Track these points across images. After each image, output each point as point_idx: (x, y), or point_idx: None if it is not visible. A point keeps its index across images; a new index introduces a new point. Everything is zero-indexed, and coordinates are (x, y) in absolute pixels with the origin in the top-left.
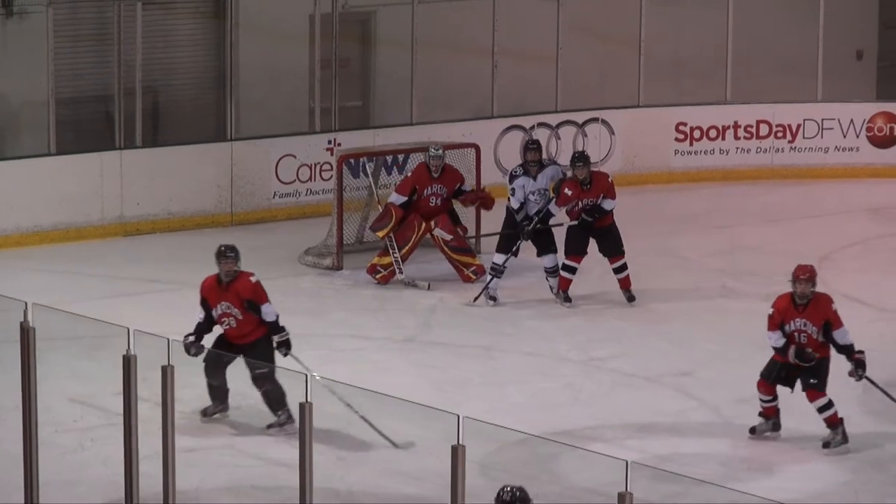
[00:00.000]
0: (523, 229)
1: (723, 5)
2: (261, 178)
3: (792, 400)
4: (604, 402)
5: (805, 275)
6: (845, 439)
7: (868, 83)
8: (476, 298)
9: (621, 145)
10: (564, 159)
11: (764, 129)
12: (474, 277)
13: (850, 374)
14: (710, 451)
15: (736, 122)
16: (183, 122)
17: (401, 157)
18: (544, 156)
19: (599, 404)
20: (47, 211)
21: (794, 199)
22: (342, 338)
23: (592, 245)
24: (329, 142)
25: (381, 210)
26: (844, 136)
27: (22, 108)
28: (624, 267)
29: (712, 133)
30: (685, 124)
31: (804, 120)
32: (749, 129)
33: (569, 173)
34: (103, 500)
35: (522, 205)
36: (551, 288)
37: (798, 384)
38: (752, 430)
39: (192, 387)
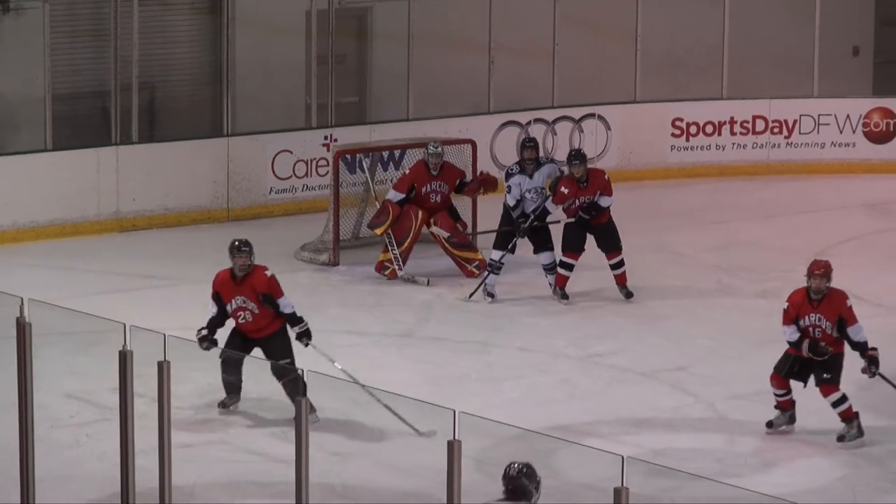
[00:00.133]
0: (519, 227)
1: (719, 1)
2: (257, 174)
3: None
4: (600, 398)
5: (820, 270)
6: (860, 433)
7: (864, 79)
8: (472, 294)
9: (617, 141)
10: (561, 155)
11: (760, 125)
12: (477, 273)
13: (864, 370)
14: (705, 446)
15: (732, 118)
16: (179, 117)
17: (397, 153)
18: (541, 153)
19: (595, 400)
20: (43, 207)
21: (790, 195)
22: (339, 333)
23: (590, 242)
24: (325, 137)
25: (377, 206)
26: (841, 132)
27: (18, 104)
28: (621, 263)
29: (708, 129)
30: (681, 120)
31: (800, 115)
32: (745, 124)
33: (566, 170)
34: (99, 496)
35: (519, 202)
36: (550, 285)
37: (811, 379)
38: (770, 424)
39: (189, 382)
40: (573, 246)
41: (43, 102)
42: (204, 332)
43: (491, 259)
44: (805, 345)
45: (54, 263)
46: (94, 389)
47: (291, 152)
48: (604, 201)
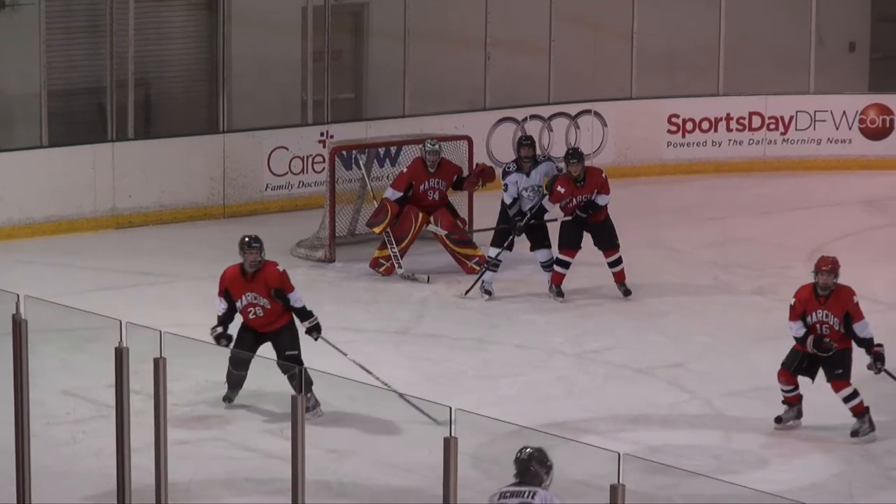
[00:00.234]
0: (515, 225)
1: None
2: (253, 171)
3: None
4: (597, 395)
5: (827, 266)
6: (872, 427)
7: (860, 75)
8: (468, 291)
9: (614, 137)
10: (557, 151)
11: (756, 121)
12: (477, 269)
13: (869, 366)
14: (702, 443)
15: (728, 114)
16: (175, 114)
17: (393, 150)
18: (538, 151)
19: (592, 397)
20: (39, 203)
21: (786, 192)
22: (334, 330)
23: (586, 240)
24: (321, 134)
25: (374, 203)
26: (837, 128)
27: (14, 101)
28: (619, 261)
29: (705, 125)
30: (677, 116)
31: (797, 112)
32: (741, 121)
33: (562, 166)
34: (95, 493)
35: (515, 200)
36: (549, 283)
37: (821, 375)
38: (778, 420)
39: (185, 379)
40: (570, 243)
41: (39, 99)
42: (219, 329)
43: (488, 256)
44: (810, 341)
45: (50, 260)
46: (91, 386)
47: (287, 149)
48: (601, 199)
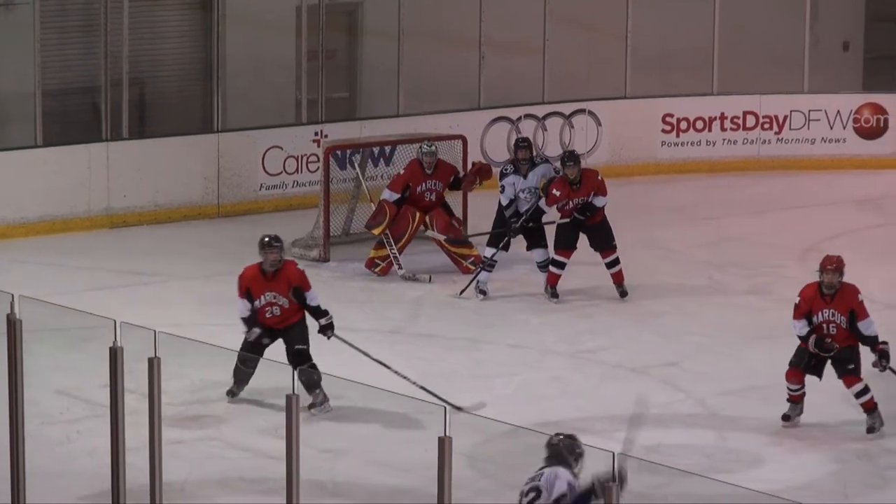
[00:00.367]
0: (511, 226)
1: None
2: (247, 170)
3: (777, 392)
4: (591, 395)
5: (832, 265)
6: (882, 422)
7: (854, 74)
8: (463, 291)
9: (608, 137)
10: (551, 150)
11: (751, 121)
12: (473, 268)
13: (874, 364)
14: (696, 442)
15: (723, 114)
16: (170, 113)
17: (388, 149)
18: (535, 154)
19: (587, 396)
20: (34, 203)
21: (780, 191)
22: None
23: (582, 240)
24: (316, 133)
25: (369, 202)
26: (831, 128)
27: (8, 100)
28: (616, 262)
29: (699, 124)
30: (672, 116)
31: (791, 111)
32: (736, 120)
33: (558, 165)
34: (90, 492)
35: (512, 201)
36: (544, 282)
37: (829, 373)
38: (787, 418)
39: (179, 378)
40: (565, 244)
41: (33, 98)
42: (256, 329)
43: (484, 256)
44: (812, 340)
45: (44, 260)
46: (85, 386)
47: (282, 148)
48: (598, 201)
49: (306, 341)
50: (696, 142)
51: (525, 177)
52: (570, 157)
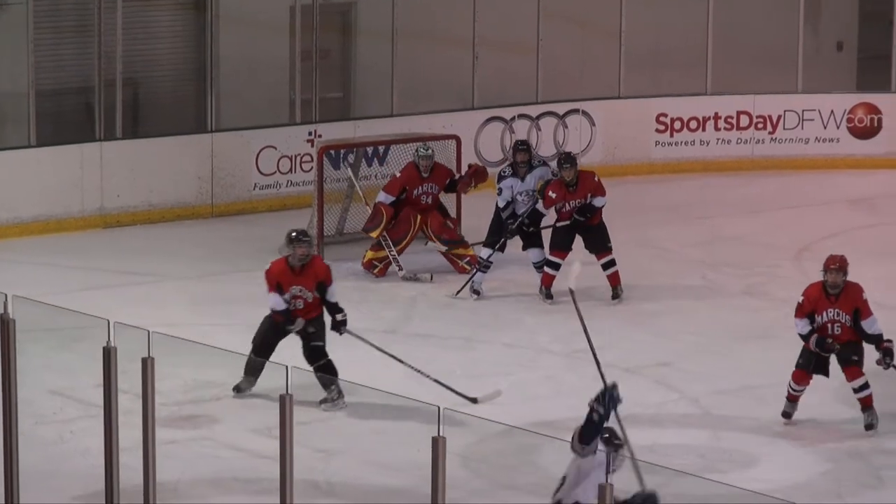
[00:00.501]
0: (507, 228)
1: None
2: (241, 170)
3: (771, 392)
4: (585, 394)
5: (835, 264)
6: (877, 419)
7: (848, 74)
8: (458, 291)
9: (602, 136)
10: (545, 151)
11: (744, 121)
12: (469, 268)
13: (878, 362)
14: (690, 442)
15: (716, 114)
16: (163, 113)
17: (381, 149)
18: (534, 156)
19: (580, 396)
20: (27, 202)
21: (774, 191)
22: None
23: (577, 241)
24: (310, 133)
25: (365, 205)
26: (825, 127)
27: (2, 100)
28: (612, 263)
29: (693, 124)
30: (665, 115)
31: (784, 111)
32: (729, 120)
33: (553, 165)
34: (83, 492)
35: (509, 203)
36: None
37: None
38: (788, 416)
39: (173, 378)
40: (560, 245)
41: (27, 98)
42: (301, 320)
43: (480, 257)
44: (813, 339)
45: (38, 260)
46: (78, 386)
47: (275, 148)
48: (598, 202)
49: (322, 338)
50: (689, 141)
51: (523, 179)
52: (566, 158)
